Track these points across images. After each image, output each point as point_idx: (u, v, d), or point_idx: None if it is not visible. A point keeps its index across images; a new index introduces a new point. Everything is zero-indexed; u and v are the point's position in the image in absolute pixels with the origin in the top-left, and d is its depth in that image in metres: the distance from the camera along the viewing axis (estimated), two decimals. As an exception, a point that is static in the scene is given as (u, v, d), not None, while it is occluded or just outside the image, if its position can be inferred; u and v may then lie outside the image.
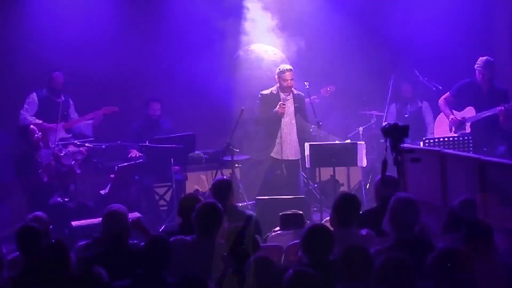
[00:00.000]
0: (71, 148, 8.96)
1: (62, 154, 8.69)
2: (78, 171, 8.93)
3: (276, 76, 9.21)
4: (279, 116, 9.11)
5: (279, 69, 9.22)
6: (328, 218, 5.89)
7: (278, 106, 9.03)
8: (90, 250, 5.39)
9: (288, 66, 9.21)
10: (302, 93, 9.34)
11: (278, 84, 9.22)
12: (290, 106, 9.18)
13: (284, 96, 9.16)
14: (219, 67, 10.28)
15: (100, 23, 9.99)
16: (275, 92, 9.22)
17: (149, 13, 10.44)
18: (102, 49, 10.06)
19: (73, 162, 8.79)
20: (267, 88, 10.10)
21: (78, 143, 9.16)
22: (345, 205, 5.41)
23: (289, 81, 9.10)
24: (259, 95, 9.30)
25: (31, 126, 8.69)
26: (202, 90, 10.37)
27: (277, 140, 9.19)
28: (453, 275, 3.80)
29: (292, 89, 9.23)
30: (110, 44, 10.09)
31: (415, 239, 4.87)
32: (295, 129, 9.24)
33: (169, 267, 4.77)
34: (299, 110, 9.23)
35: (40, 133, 8.66)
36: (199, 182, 9.80)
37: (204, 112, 10.49)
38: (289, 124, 9.18)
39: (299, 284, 3.95)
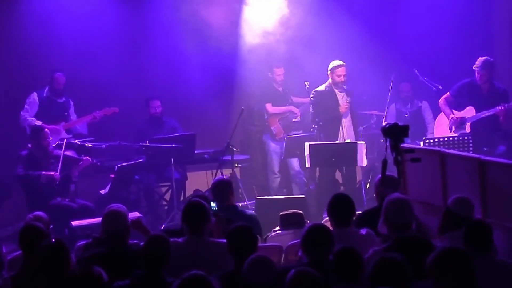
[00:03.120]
0: (72, 153, 8.94)
1: (55, 154, 8.67)
2: (75, 179, 8.90)
3: (329, 72, 9.19)
4: (339, 115, 9.13)
5: (332, 65, 9.20)
6: (328, 218, 5.89)
7: (342, 105, 9.09)
8: (90, 250, 5.38)
9: (340, 62, 9.20)
10: (352, 89, 9.40)
11: (330, 80, 9.22)
12: (343, 104, 9.21)
13: (339, 93, 9.21)
14: (218, 65, 10.29)
15: (99, 23, 9.98)
16: (328, 89, 9.22)
17: (150, 12, 10.43)
18: (102, 49, 10.05)
19: (72, 170, 8.77)
20: (266, 88, 10.14)
21: (78, 143, 9.15)
22: (339, 206, 5.41)
23: (342, 76, 9.13)
24: (313, 93, 9.26)
25: (46, 129, 8.66)
26: (202, 89, 10.39)
27: (339, 138, 9.17)
28: (454, 275, 3.78)
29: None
30: (109, 44, 10.07)
31: (414, 238, 4.87)
32: (352, 126, 9.28)
33: (168, 268, 4.77)
34: (352, 106, 9.27)
35: (51, 138, 8.64)
36: (199, 182, 9.80)
37: (204, 111, 10.49)
38: (347, 121, 9.21)
39: (300, 284, 3.95)
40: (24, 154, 8.55)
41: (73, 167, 8.79)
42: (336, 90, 9.24)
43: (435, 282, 3.85)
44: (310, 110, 9.37)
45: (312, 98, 9.28)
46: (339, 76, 9.15)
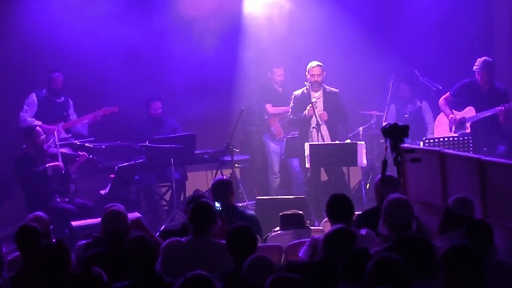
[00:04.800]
0: (67, 150, 8.97)
1: (51, 153, 8.70)
2: (73, 176, 8.92)
3: (306, 73, 9.13)
4: (309, 117, 9.04)
5: (308, 65, 9.13)
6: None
7: (307, 108, 8.98)
8: (90, 250, 5.38)
9: (316, 62, 9.13)
10: (335, 90, 9.26)
11: (308, 83, 9.15)
12: (319, 106, 9.12)
13: (314, 94, 9.10)
14: (219, 66, 10.29)
15: (98, 23, 9.97)
16: (306, 92, 9.16)
17: (149, 12, 10.42)
18: (101, 48, 10.05)
19: (69, 166, 8.80)
20: (266, 88, 10.15)
21: (78, 143, 9.16)
22: (338, 206, 5.40)
23: (316, 75, 9.04)
24: (292, 96, 9.25)
25: (37, 127, 8.68)
26: (202, 89, 10.39)
27: (309, 141, 9.05)
28: (465, 270, 3.77)
29: (325, 86, 9.18)
30: (109, 43, 10.07)
31: (414, 238, 4.87)
32: (326, 129, 9.16)
33: (169, 267, 4.76)
34: (329, 109, 9.12)
35: (44, 135, 8.67)
36: (199, 182, 9.80)
37: (204, 112, 10.48)
38: (318, 124, 9.02)
39: None
40: (19, 156, 8.59)
41: (70, 163, 8.83)
42: (312, 93, 9.15)
43: (445, 275, 3.83)
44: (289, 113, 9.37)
45: (291, 103, 9.27)
46: (313, 75, 9.06)
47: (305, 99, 9.09)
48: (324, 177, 9.38)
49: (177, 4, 10.27)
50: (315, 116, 8.94)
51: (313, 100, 9.05)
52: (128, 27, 10.10)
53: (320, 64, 9.12)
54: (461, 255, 3.79)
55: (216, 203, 5.79)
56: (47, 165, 8.50)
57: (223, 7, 10.37)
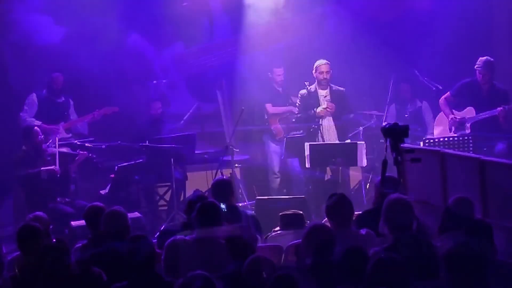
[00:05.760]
0: (67, 150, 8.98)
1: (50, 153, 8.71)
2: (73, 175, 8.92)
3: (313, 71, 9.13)
4: (318, 116, 9.04)
5: (316, 63, 9.14)
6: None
7: (320, 109, 8.98)
8: (88, 250, 5.38)
9: (325, 60, 9.14)
10: (341, 88, 9.28)
11: (316, 82, 9.16)
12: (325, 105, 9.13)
13: (322, 92, 9.11)
14: (218, 65, 10.30)
15: (99, 23, 9.98)
16: (313, 90, 9.17)
17: (148, 12, 10.43)
18: (102, 49, 10.05)
19: (69, 166, 8.81)
20: (266, 88, 10.15)
21: (78, 143, 9.17)
22: (337, 207, 5.41)
23: (324, 73, 9.05)
24: (299, 95, 9.25)
25: (35, 127, 8.70)
26: (202, 89, 10.40)
27: (318, 140, 9.06)
28: (464, 270, 3.77)
29: (331, 85, 9.19)
30: (109, 43, 10.07)
31: (414, 238, 4.87)
32: (334, 128, 9.16)
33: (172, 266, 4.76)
34: (337, 106, 9.11)
35: (43, 135, 8.68)
36: (199, 182, 9.80)
37: (203, 111, 10.49)
38: (327, 123, 9.03)
39: None
40: (19, 156, 8.60)
41: (70, 162, 8.84)
42: (319, 91, 9.18)
43: (446, 274, 3.83)
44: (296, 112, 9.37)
45: (298, 102, 9.27)
46: (321, 73, 9.07)
47: (313, 97, 9.11)
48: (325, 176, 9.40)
49: (177, 4, 10.26)
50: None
51: (326, 96, 9.03)
52: (127, 28, 10.10)
53: (328, 62, 9.14)
54: (463, 254, 3.79)
55: (221, 204, 5.78)
56: (41, 168, 8.48)
57: (225, 3, 10.38)
